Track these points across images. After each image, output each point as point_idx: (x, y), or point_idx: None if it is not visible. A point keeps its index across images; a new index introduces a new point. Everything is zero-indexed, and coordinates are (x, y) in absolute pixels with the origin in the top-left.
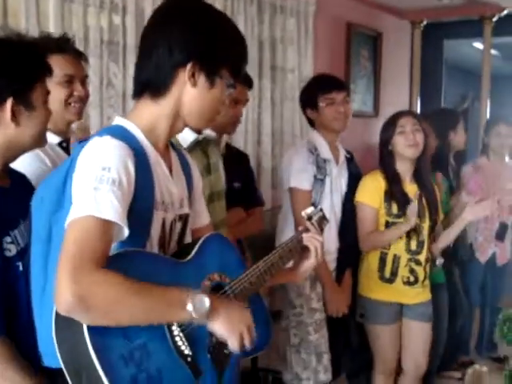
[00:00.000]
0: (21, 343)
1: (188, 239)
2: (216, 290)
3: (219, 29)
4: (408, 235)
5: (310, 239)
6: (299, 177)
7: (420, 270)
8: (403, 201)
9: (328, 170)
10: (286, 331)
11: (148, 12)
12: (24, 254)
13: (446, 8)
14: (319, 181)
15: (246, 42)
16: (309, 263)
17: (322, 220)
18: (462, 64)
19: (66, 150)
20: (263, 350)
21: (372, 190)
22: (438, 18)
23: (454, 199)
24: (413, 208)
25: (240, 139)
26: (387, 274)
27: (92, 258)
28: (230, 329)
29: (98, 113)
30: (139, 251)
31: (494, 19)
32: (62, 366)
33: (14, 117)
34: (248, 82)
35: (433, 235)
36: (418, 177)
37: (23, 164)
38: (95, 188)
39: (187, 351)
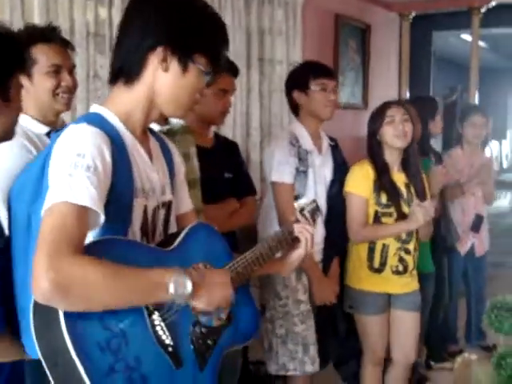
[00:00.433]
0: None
1: (173, 226)
2: None
3: (193, 13)
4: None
5: (301, 230)
6: (281, 170)
7: (409, 259)
8: (392, 190)
9: (310, 161)
10: (271, 322)
11: None
12: None
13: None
14: (302, 173)
15: (225, 28)
16: (297, 254)
17: (315, 211)
18: (450, 56)
19: None
20: (249, 341)
21: (361, 180)
22: (426, 10)
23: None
24: (418, 211)
25: (228, 132)
26: (376, 263)
27: (68, 245)
28: (208, 304)
29: (85, 105)
30: (119, 238)
31: (483, 10)
32: (40, 356)
33: None
34: (233, 71)
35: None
36: (405, 166)
37: (10, 154)
38: (70, 174)
39: (168, 341)
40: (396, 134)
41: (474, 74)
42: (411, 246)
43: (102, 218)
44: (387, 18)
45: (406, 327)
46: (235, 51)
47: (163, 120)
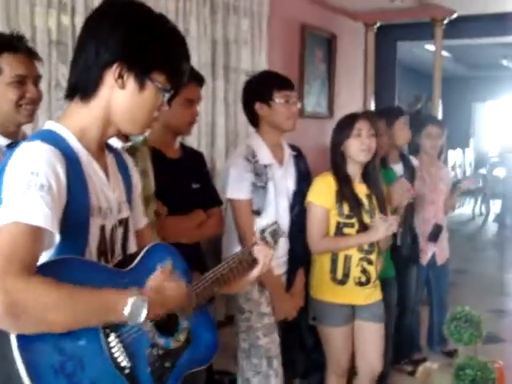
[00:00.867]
0: None
1: (132, 244)
2: None
3: (150, 28)
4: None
5: (260, 251)
6: (236, 187)
7: (372, 270)
8: (354, 201)
9: (270, 174)
10: (236, 336)
11: None
12: None
13: (398, 10)
14: (260, 188)
15: (185, 43)
16: (252, 275)
17: (276, 233)
18: (415, 65)
19: None
20: (209, 361)
21: (324, 191)
22: (390, 20)
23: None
24: (381, 225)
25: (193, 141)
26: (339, 275)
27: (20, 266)
28: (163, 306)
29: (47, 115)
30: (75, 258)
31: (445, 22)
32: None
33: None
34: (199, 80)
35: None
36: (367, 177)
37: None
38: (23, 193)
39: (125, 363)
40: (362, 149)
41: (438, 83)
42: (373, 257)
43: (57, 238)
44: (353, 28)
45: (371, 338)
46: (200, 60)
47: (124, 136)
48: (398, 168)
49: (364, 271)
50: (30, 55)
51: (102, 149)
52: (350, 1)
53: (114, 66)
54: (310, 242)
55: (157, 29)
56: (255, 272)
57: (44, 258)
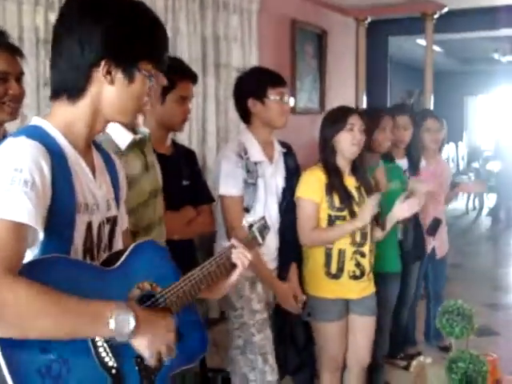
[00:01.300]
0: None
1: (118, 243)
2: (146, 300)
3: (132, 20)
4: None
5: (239, 256)
6: (227, 183)
7: (365, 262)
8: (344, 193)
9: (260, 171)
10: (230, 333)
11: None
12: None
13: (388, 5)
14: (251, 185)
15: (163, 26)
16: (230, 281)
17: (264, 228)
18: (407, 60)
19: None
20: (197, 360)
21: (313, 185)
22: (381, 15)
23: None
24: (366, 207)
25: (184, 138)
26: (334, 269)
27: (4, 264)
28: (150, 347)
29: (35, 114)
30: (60, 257)
31: (436, 16)
32: None
33: None
34: (192, 77)
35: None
36: (355, 170)
37: None
38: (7, 190)
39: (112, 363)
40: (353, 143)
41: (429, 78)
42: (366, 249)
43: (41, 235)
44: (343, 23)
45: (362, 332)
46: (190, 57)
47: (131, 129)
48: (403, 163)
49: (358, 264)
50: (13, 51)
51: (89, 146)
52: None
53: (102, 64)
54: (300, 237)
55: (138, 18)
56: (233, 277)
57: (29, 255)
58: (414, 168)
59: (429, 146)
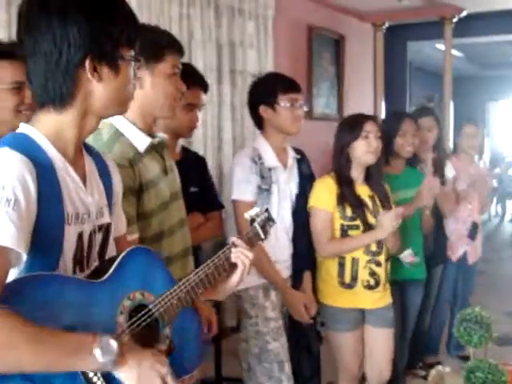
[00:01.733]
0: None
1: (111, 250)
2: (139, 310)
3: (100, 8)
4: None
5: (238, 255)
6: (241, 188)
7: (381, 272)
8: (356, 203)
9: (274, 177)
10: (246, 342)
11: None
12: None
13: (406, 10)
14: (264, 191)
15: (126, 4)
16: (232, 282)
17: (267, 221)
18: (427, 65)
19: None
20: (196, 369)
21: (324, 194)
22: (399, 20)
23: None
24: (385, 219)
25: (199, 145)
26: (347, 278)
27: None
28: (138, 377)
29: None
30: (44, 275)
31: (454, 20)
32: None
33: None
34: (203, 86)
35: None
36: (369, 178)
37: None
38: None
39: (100, 382)
40: (370, 151)
41: (448, 83)
42: (382, 258)
43: (24, 257)
44: (361, 29)
45: (380, 344)
46: (205, 64)
47: (148, 133)
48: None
49: (373, 274)
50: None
51: (79, 151)
52: (357, 1)
53: (87, 62)
54: (317, 247)
55: (104, 4)
56: (235, 278)
57: (13, 273)
58: (437, 171)
59: (466, 151)
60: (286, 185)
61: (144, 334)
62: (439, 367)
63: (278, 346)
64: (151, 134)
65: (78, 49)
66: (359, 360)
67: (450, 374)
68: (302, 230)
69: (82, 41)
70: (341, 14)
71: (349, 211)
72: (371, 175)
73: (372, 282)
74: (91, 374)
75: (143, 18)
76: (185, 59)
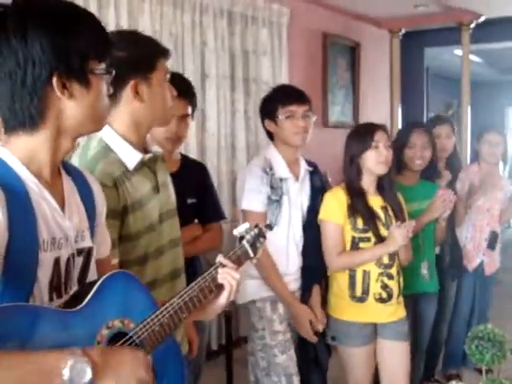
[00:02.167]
0: None
1: (93, 274)
2: (118, 339)
3: (64, 22)
4: None
5: (225, 276)
6: (251, 198)
7: (393, 285)
8: (368, 214)
9: (285, 188)
10: (253, 355)
11: None
12: None
13: (423, 16)
14: (275, 202)
15: (94, 17)
16: (219, 303)
17: (257, 238)
18: (445, 71)
19: None
20: None
21: (335, 206)
22: (416, 27)
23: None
24: (396, 232)
25: (213, 154)
26: (358, 292)
27: None
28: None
29: None
30: (14, 306)
31: (472, 26)
32: None
33: None
34: (187, 96)
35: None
36: (381, 188)
37: None
38: None
39: None
40: (380, 161)
41: (466, 89)
42: (394, 271)
43: None
44: (377, 35)
45: (395, 358)
46: (218, 73)
47: (142, 148)
48: (446, 176)
49: (385, 287)
50: None
51: (56, 172)
52: (372, 8)
53: (54, 80)
54: (327, 261)
55: (70, 18)
56: (222, 299)
57: None
58: (452, 180)
59: (487, 160)
60: (297, 197)
61: None
62: (453, 382)
63: (287, 358)
64: (145, 149)
65: (42, 66)
66: (370, 375)
67: None
68: (313, 242)
69: (45, 58)
70: (356, 21)
71: (360, 223)
72: (383, 185)
73: (384, 295)
74: None
75: (156, 26)
76: (197, 67)
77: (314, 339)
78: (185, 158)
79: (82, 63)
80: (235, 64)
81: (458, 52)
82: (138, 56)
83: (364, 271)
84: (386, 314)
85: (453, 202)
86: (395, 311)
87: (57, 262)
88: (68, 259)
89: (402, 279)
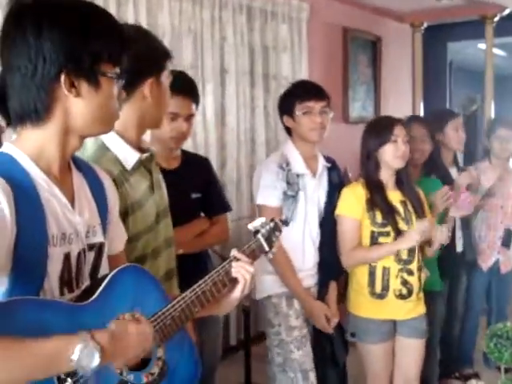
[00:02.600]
0: None
1: (104, 270)
2: None
3: (79, 22)
4: None
5: (239, 270)
6: (266, 193)
7: (413, 281)
8: (387, 208)
9: (302, 184)
10: (270, 351)
11: None
12: None
13: (446, 9)
14: (290, 197)
15: (113, 19)
16: (233, 297)
17: (273, 232)
18: (468, 66)
19: None
20: None
21: (352, 201)
22: (438, 20)
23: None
24: (415, 231)
25: (233, 148)
26: (378, 288)
27: None
28: (127, 362)
29: None
30: (25, 299)
31: (496, 19)
32: None
33: None
34: (189, 94)
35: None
36: (400, 183)
37: None
38: None
39: None
40: (398, 155)
41: (489, 83)
42: (414, 267)
43: (4, 278)
44: (398, 30)
45: (410, 355)
46: (238, 68)
47: (138, 147)
48: (453, 172)
49: (405, 283)
50: None
51: (66, 168)
52: (394, 2)
53: (62, 78)
54: (342, 257)
55: (85, 18)
56: (236, 293)
57: None
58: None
59: (498, 155)
60: (315, 192)
61: None
62: (472, 381)
63: (303, 354)
64: (140, 148)
65: (52, 63)
66: (389, 372)
67: None
68: (330, 238)
69: (56, 55)
70: (377, 16)
71: (379, 217)
72: (401, 180)
73: (404, 291)
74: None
75: (175, 22)
76: (216, 62)
77: (329, 330)
78: (185, 154)
79: (92, 64)
80: (255, 60)
81: (482, 46)
82: (155, 54)
83: (384, 267)
84: (405, 311)
85: (450, 200)
86: (415, 307)
87: (67, 256)
88: (79, 254)
89: (423, 274)
